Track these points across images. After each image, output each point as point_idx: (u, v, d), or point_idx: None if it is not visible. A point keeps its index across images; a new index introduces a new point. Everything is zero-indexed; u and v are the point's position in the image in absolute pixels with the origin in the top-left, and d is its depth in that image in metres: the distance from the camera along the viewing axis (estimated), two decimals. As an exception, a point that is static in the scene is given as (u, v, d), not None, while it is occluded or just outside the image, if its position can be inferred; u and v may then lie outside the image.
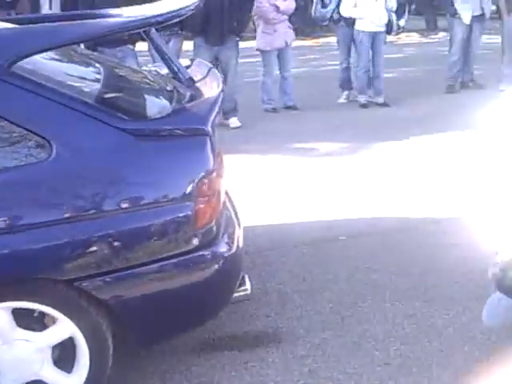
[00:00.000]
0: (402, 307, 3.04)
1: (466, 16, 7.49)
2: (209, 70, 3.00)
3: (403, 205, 4.27)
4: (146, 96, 2.78)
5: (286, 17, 7.15)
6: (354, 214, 4.17)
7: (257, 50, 7.32)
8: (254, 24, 7.51)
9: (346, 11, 7.20)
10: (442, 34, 13.03)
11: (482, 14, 7.57)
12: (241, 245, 2.58)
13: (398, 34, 7.60)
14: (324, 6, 7.59)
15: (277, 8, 7.00)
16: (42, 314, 2.27)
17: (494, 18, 8.08)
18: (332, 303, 3.10)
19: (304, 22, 13.05)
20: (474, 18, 7.49)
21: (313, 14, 7.88)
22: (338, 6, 7.29)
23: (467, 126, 5.87)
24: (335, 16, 7.40)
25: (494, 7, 8.19)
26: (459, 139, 5.66)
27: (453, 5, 7.54)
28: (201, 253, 2.33)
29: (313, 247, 3.69)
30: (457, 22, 7.64)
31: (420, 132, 5.94)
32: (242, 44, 6.91)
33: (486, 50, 8.74)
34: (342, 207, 4.28)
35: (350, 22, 7.24)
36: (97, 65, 3.01)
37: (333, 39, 14.03)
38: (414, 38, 14.46)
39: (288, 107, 7.29)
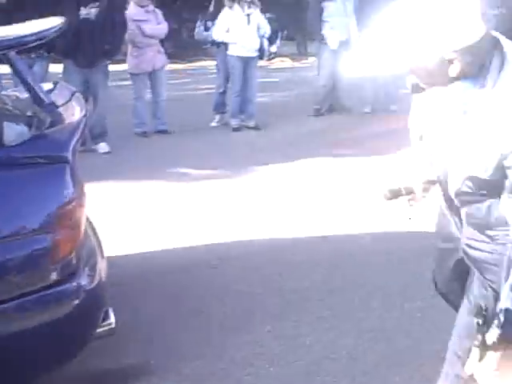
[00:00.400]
0: (271, 328, 3.07)
1: (332, 42, 7.82)
2: (72, 95, 2.91)
3: (273, 227, 4.35)
4: (3, 122, 2.64)
5: (155, 41, 7.14)
6: (224, 237, 4.18)
7: (127, 72, 7.27)
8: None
9: (218, 35, 7.31)
10: (312, 59, 13.59)
11: (349, 40, 7.95)
12: (104, 277, 2.50)
13: (270, 59, 7.78)
14: (206, 29, 7.66)
15: (143, 31, 6.99)
16: None
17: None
18: (202, 330, 3.07)
19: (177, 45, 13.11)
20: (341, 43, 7.85)
21: (195, 36, 7.93)
22: None
23: (334, 147, 6.19)
24: (217, 39, 7.49)
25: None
26: (326, 160, 5.91)
27: (321, 31, 7.87)
28: (60, 287, 2.24)
29: (183, 274, 3.65)
30: (324, 48, 7.97)
31: (288, 155, 6.11)
32: (116, 67, 6.82)
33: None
34: (213, 232, 4.28)
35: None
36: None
37: (206, 63, 14.24)
38: (287, 62, 14.95)
39: (160, 131, 7.26)
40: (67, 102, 2.75)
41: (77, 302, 2.29)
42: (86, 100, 5.90)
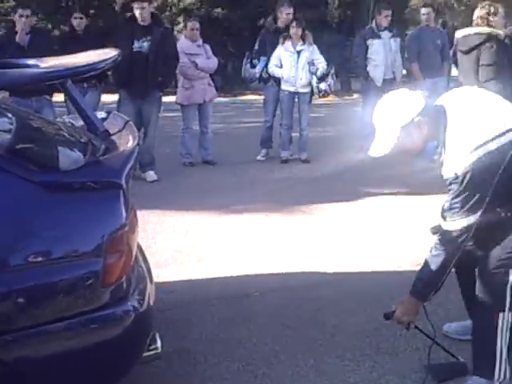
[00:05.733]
0: (315, 363, 3.04)
1: (377, 79, 7.85)
2: (125, 124, 2.97)
3: (313, 262, 4.32)
4: (59, 148, 2.70)
5: (205, 74, 7.28)
6: (266, 269, 4.17)
7: (176, 103, 7.40)
8: (175, 79, 7.60)
9: (271, 70, 7.40)
10: (355, 96, 13.61)
11: (394, 78, 7.97)
12: (152, 302, 2.51)
13: (322, 96, 7.74)
14: (253, 66, 7.76)
15: (196, 65, 7.13)
16: None
17: (405, 81, 8.51)
18: (245, 361, 3.06)
19: (223, 79, 13.32)
20: (385, 80, 7.86)
21: (242, 74, 8.01)
22: (266, 65, 7.46)
23: (383, 183, 6.16)
24: (264, 75, 7.56)
25: (404, 71, 8.64)
26: (372, 197, 5.88)
27: (365, 68, 7.91)
28: (109, 311, 2.26)
29: (226, 303, 3.65)
30: (369, 85, 7.98)
31: (334, 190, 6.09)
32: (164, 98, 6.96)
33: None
34: (254, 263, 4.28)
35: (279, 82, 7.41)
36: (8, 115, 2.93)
37: (250, 97, 14.39)
38: (331, 98, 14.99)
39: (206, 162, 7.35)
40: (120, 131, 2.81)
41: (125, 325, 2.30)
42: (138, 129, 6.03)
